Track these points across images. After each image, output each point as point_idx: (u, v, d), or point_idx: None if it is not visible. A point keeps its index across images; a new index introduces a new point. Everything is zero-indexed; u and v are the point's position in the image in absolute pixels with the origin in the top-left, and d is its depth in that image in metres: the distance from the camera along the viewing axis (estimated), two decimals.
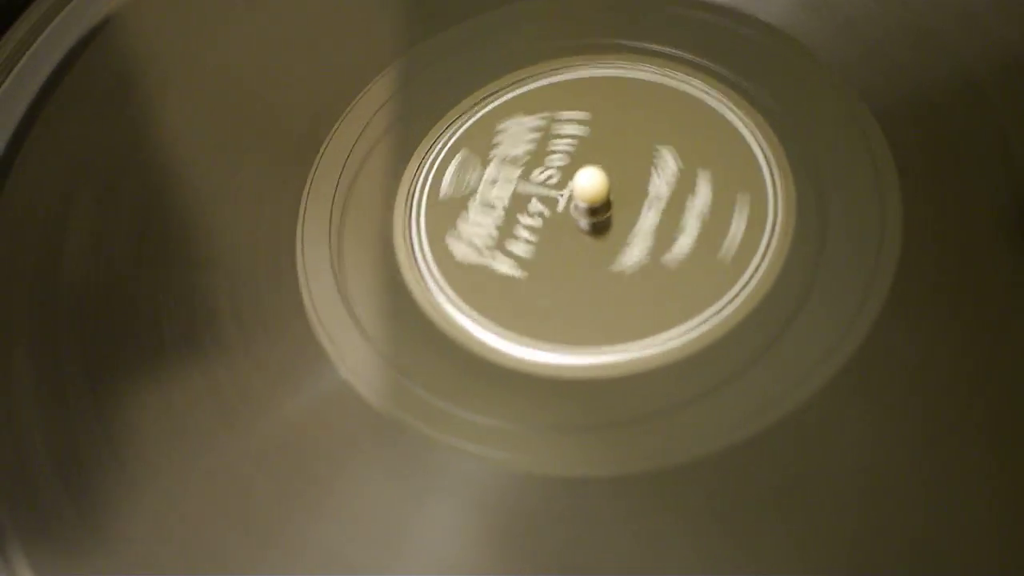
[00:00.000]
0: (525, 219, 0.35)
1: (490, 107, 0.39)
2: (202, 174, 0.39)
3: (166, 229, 0.37)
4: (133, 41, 0.43)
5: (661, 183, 0.36)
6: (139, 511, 0.32)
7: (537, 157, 0.37)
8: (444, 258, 0.35)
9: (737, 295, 0.33)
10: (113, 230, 0.37)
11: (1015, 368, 0.31)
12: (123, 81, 0.41)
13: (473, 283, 0.34)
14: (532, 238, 0.35)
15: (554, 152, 0.37)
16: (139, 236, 0.37)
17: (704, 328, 0.32)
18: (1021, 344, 0.31)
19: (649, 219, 0.35)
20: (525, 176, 0.36)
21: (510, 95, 0.39)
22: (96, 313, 0.36)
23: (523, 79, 0.39)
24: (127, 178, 0.39)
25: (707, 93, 0.38)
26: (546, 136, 0.37)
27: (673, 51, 0.39)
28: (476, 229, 0.36)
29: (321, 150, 0.38)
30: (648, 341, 0.33)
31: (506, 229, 0.35)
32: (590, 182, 0.34)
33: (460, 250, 0.35)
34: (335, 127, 0.39)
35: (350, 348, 0.34)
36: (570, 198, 0.35)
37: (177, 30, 0.43)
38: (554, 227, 0.35)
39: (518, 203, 0.36)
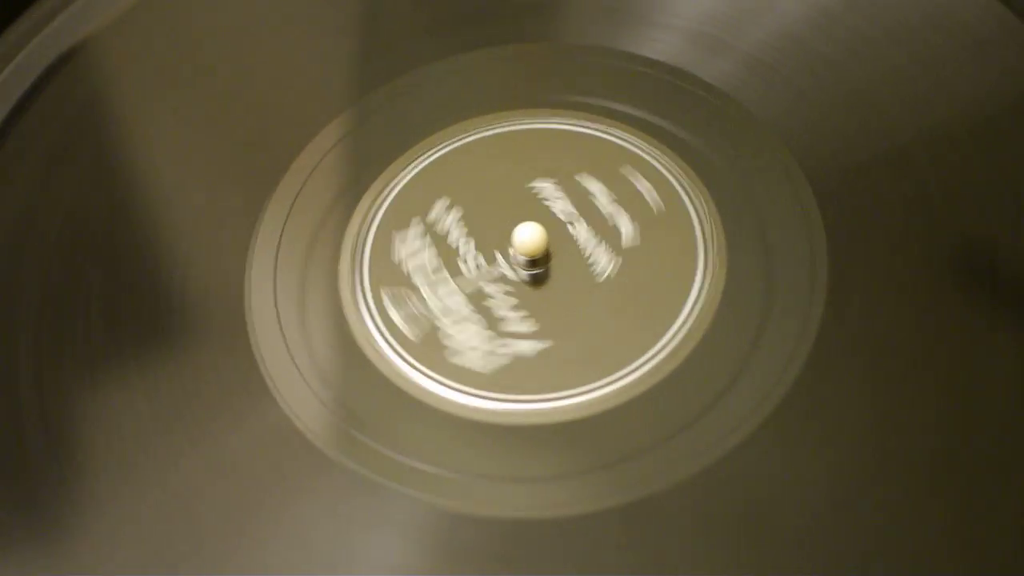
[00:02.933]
0: (498, 303, 0.36)
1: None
2: (161, 199, 0.40)
3: (123, 249, 0.38)
4: (101, 70, 0.44)
5: (593, 240, 0.37)
6: (77, 523, 0.32)
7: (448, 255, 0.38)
8: (381, 304, 0.36)
9: (667, 344, 0.34)
10: (75, 243, 0.38)
11: (935, 410, 0.32)
12: (89, 108, 0.42)
13: (409, 324, 0.36)
14: (523, 311, 0.36)
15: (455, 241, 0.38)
16: (99, 248, 0.38)
17: (637, 376, 0.34)
18: (935, 392, 0.32)
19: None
20: (456, 275, 0.37)
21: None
22: (51, 317, 0.36)
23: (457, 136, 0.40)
24: (92, 197, 0.40)
25: (641, 148, 0.39)
26: (436, 235, 0.38)
27: (612, 106, 0.40)
28: (470, 339, 0.36)
29: (276, 186, 0.39)
30: (583, 388, 0.34)
31: (493, 322, 0.36)
32: (530, 236, 0.35)
33: (478, 363, 0.35)
34: (291, 164, 0.40)
35: (292, 382, 0.35)
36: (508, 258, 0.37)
37: (142, 64, 0.44)
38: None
39: (479, 298, 0.36)
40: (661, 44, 0.41)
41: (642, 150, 0.39)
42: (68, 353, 0.36)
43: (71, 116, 0.42)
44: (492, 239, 0.37)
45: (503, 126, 0.40)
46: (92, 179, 0.40)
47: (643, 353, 0.34)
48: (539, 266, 0.36)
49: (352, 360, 0.35)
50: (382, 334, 0.36)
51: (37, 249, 0.38)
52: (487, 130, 0.40)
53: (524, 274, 0.36)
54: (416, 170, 0.40)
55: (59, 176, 0.40)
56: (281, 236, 0.38)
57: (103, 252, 0.38)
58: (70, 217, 0.39)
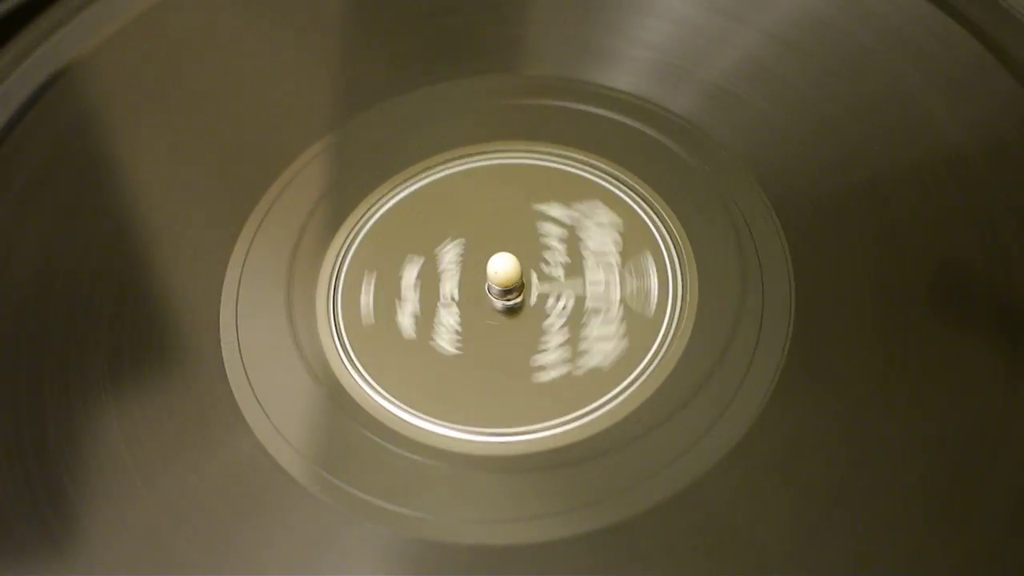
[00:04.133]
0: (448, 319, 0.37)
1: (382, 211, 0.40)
2: (141, 220, 0.40)
3: (103, 270, 0.39)
4: (84, 95, 0.44)
5: (561, 270, 0.38)
6: (51, 546, 0.33)
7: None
8: (357, 332, 0.37)
9: (638, 378, 0.35)
10: (55, 267, 0.38)
11: (903, 443, 0.33)
12: (72, 133, 0.42)
13: (383, 358, 0.36)
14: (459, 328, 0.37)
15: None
16: (76, 274, 0.38)
17: (606, 409, 0.34)
18: (903, 426, 0.33)
19: (558, 306, 0.37)
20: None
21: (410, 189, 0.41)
22: (24, 342, 0.37)
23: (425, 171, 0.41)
24: (73, 220, 0.40)
25: (608, 179, 0.40)
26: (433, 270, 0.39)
27: (578, 139, 0.40)
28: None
29: (249, 215, 0.40)
30: (545, 424, 0.35)
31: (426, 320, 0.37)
32: (503, 266, 0.36)
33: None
34: (266, 191, 0.40)
35: (265, 412, 0.35)
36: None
37: (124, 90, 0.44)
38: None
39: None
40: (628, 75, 0.42)
41: (610, 182, 0.40)
42: (43, 380, 0.36)
43: (54, 141, 0.42)
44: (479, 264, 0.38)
45: (487, 159, 0.41)
46: (71, 206, 0.40)
47: (617, 384, 0.35)
48: (511, 297, 0.37)
49: (328, 391, 0.36)
50: (354, 365, 0.36)
51: (15, 272, 0.39)
52: (470, 160, 0.41)
53: (498, 303, 0.37)
54: (410, 190, 0.40)
55: (38, 202, 0.40)
56: (253, 263, 0.39)
57: (79, 278, 0.38)
58: (49, 240, 0.39)
